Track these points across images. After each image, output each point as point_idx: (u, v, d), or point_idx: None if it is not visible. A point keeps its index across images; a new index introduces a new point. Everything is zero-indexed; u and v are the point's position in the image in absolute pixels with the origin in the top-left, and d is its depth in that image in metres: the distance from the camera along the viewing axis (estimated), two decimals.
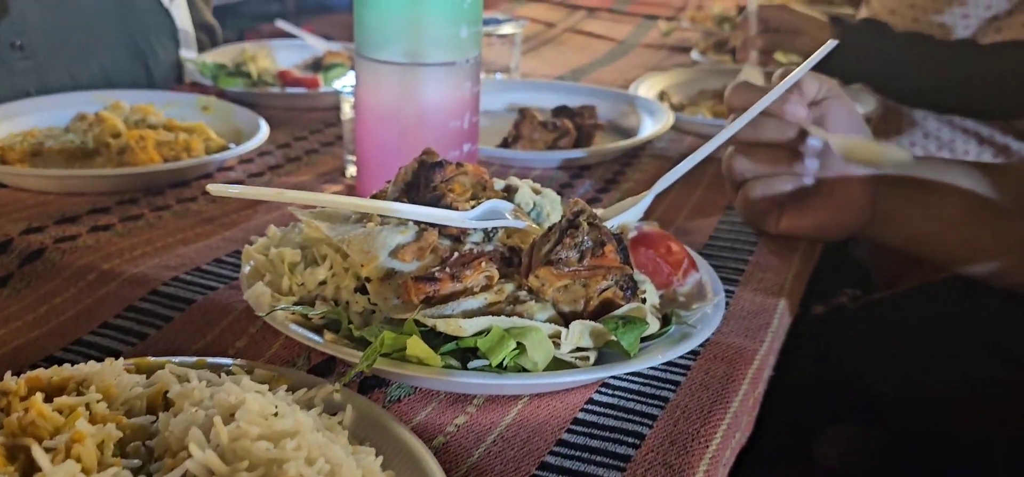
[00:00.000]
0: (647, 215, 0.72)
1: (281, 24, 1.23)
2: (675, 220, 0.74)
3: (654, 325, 0.47)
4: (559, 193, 0.80)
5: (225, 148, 0.84)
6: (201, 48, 1.22)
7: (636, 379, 0.48)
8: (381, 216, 0.50)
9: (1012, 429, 1.00)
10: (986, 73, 1.09)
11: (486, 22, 1.17)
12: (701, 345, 0.51)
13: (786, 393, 1.09)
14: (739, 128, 0.65)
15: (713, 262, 0.65)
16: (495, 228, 0.51)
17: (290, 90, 1.05)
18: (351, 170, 0.82)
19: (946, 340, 1.06)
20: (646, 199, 0.55)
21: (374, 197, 0.56)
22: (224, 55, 1.15)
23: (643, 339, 0.47)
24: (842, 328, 1.10)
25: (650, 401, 0.47)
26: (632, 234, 0.54)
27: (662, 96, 1.10)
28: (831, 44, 0.61)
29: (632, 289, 0.47)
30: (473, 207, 0.51)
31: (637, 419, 0.45)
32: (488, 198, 0.53)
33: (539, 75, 1.26)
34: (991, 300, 1.05)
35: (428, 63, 0.66)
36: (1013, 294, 1.03)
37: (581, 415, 0.45)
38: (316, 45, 1.20)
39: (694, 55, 1.31)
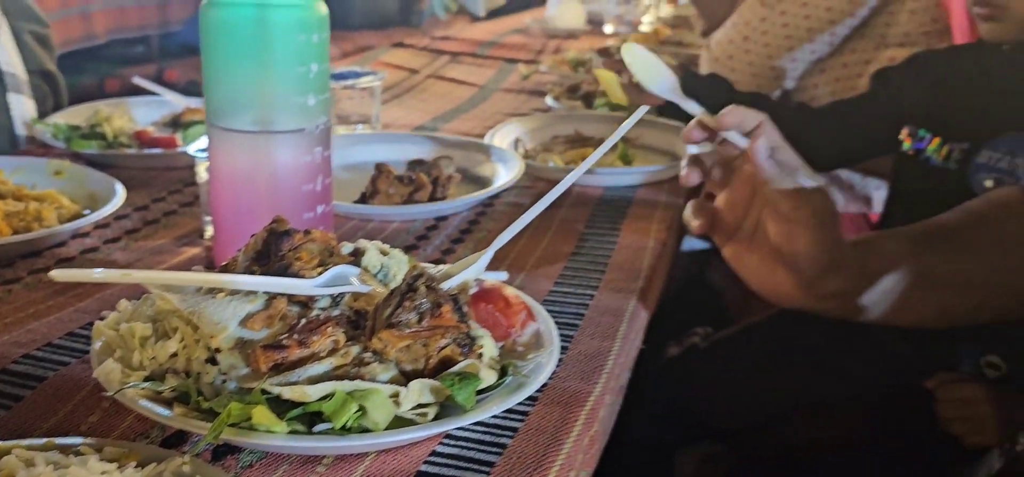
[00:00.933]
0: (498, 264, 0.77)
1: (138, 81, 1.23)
2: (524, 267, 0.79)
3: (491, 378, 0.51)
4: (415, 244, 0.84)
5: (79, 215, 0.84)
6: (40, 97, 1.19)
7: (477, 429, 0.52)
8: None
9: (841, 436, 1.09)
10: (819, 131, 1.19)
11: (346, 75, 1.20)
12: (539, 390, 0.55)
13: (648, 422, 1.16)
14: (581, 173, 0.70)
15: (556, 308, 0.70)
16: (342, 293, 0.54)
17: (147, 151, 1.05)
18: (209, 231, 0.83)
19: (787, 363, 1.15)
20: (485, 256, 0.59)
21: (224, 266, 0.58)
22: (77, 115, 1.14)
23: (482, 391, 0.51)
24: (696, 363, 1.18)
25: (489, 449, 0.50)
26: (473, 290, 0.58)
27: (517, 143, 1.15)
28: (643, 110, 0.67)
29: (470, 345, 0.51)
30: (320, 274, 0.54)
31: (476, 467, 0.49)
32: (335, 263, 0.56)
33: (400, 125, 1.29)
34: (827, 324, 1.15)
35: (278, 131, 0.69)
36: (851, 322, 1.13)
37: (425, 467, 0.49)
38: (175, 101, 1.20)
39: (548, 101, 1.38)
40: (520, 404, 0.53)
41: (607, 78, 1.25)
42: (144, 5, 2.91)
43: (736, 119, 0.64)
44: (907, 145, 1.09)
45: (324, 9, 0.70)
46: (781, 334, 1.17)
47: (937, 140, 1.04)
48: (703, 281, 1.81)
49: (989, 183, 0.98)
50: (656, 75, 0.71)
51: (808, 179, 0.63)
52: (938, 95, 1.07)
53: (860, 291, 0.70)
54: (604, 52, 1.67)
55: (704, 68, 1.49)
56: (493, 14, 4.19)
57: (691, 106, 0.67)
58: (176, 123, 1.17)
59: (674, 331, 1.42)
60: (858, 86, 1.36)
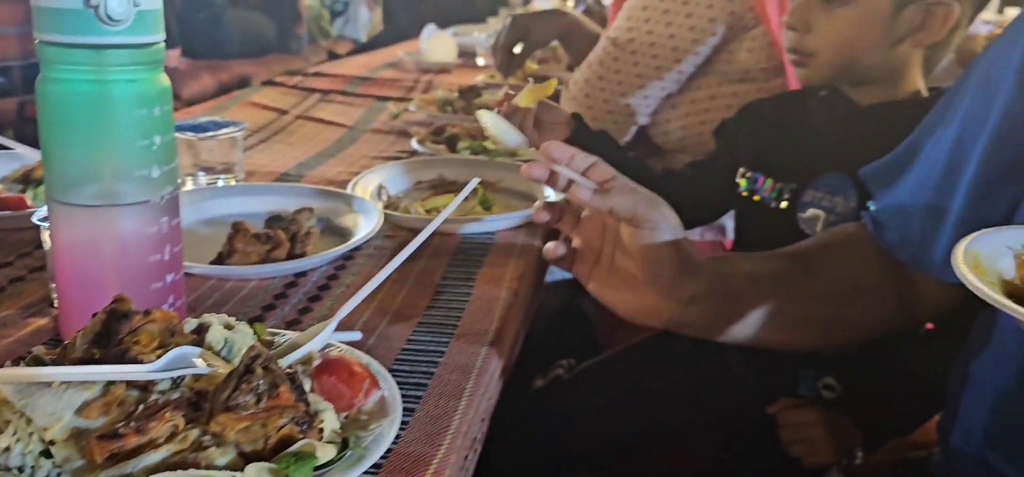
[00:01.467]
0: (354, 321, 0.79)
1: None
2: (378, 327, 0.80)
3: (330, 453, 0.53)
4: (273, 304, 0.85)
5: None
6: None
7: None
8: None
9: (698, 464, 1.16)
10: (681, 195, 1.26)
11: (207, 126, 1.19)
12: (383, 458, 0.57)
13: (513, 458, 1.19)
14: (434, 228, 0.73)
15: (407, 367, 0.72)
16: (182, 376, 0.54)
17: None
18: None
19: (646, 393, 1.21)
20: (329, 327, 0.61)
21: (63, 348, 0.58)
22: None
23: (322, 467, 0.52)
24: (560, 394, 1.23)
25: None
26: (317, 362, 0.60)
27: (380, 190, 1.17)
28: (475, 181, 0.70)
29: (309, 422, 0.53)
30: (160, 356, 0.54)
31: None
32: (177, 343, 0.56)
33: (265, 173, 1.29)
34: (682, 353, 1.22)
35: (122, 204, 0.69)
36: (699, 345, 1.20)
37: None
38: (27, 155, 1.17)
39: (413, 144, 1.40)
40: (361, 475, 0.55)
41: (489, 121, 1.28)
42: (4, 35, 2.78)
43: (563, 155, 0.70)
44: (743, 184, 1.17)
45: (166, 81, 0.70)
46: (640, 363, 1.23)
47: (770, 181, 1.12)
48: (576, 309, 1.87)
49: (810, 213, 1.07)
50: (507, 134, 0.75)
51: (648, 204, 0.69)
52: (768, 140, 1.16)
53: (719, 301, 0.76)
54: (469, 92, 1.70)
55: (564, 105, 1.55)
56: (370, 44, 4.21)
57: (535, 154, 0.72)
58: (27, 179, 1.13)
59: (549, 360, 1.46)
60: (706, 120, 1.45)
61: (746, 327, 0.80)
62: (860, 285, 0.85)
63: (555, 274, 1.93)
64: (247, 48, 5.24)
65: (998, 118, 0.73)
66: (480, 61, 2.50)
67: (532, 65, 1.87)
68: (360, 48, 4.63)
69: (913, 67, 1.07)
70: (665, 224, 0.71)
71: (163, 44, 0.69)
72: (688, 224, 1.32)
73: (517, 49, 1.69)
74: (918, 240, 0.80)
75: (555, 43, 1.81)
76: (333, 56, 5.31)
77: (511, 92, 1.26)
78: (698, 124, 1.48)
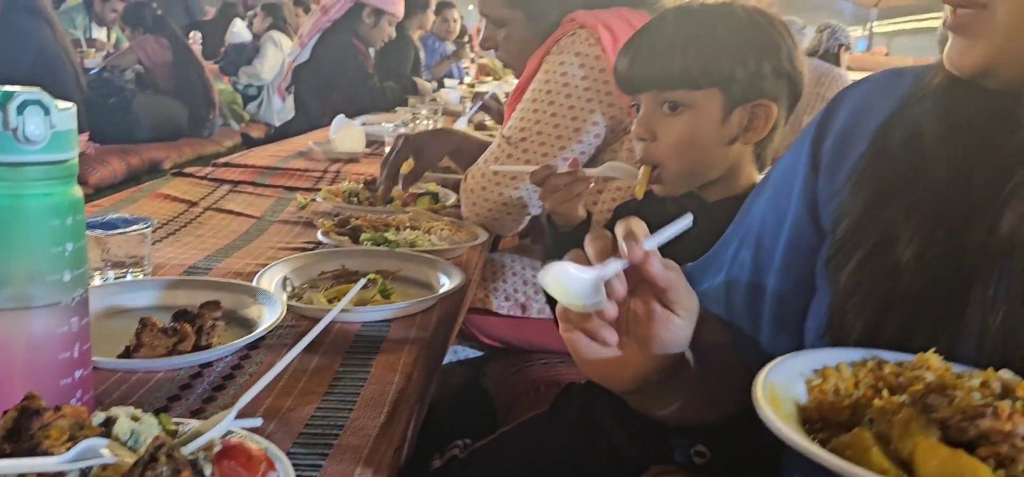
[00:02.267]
0: (256, 408, 0.85)
1: None
2: (279, 412, 0.87)
3: None
4: (178, 395, 0.91)
5: None
6: None
7: None
8: None
9: None
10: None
11: (116, 223, 1.24)
12: None
13: None
14: (331, 318, 0.80)
15: (305, 451, 0.79)
16: (90, 466, 0.60)
17: None
18: None
19: (535, 468, 1.29)
20: (229, 416, 0.68)
21: None
22: None
23: None
24: (456, 474, 1.30)
25: None
26: (218, 448, 0.66)
27: (285, 281, 1.24)
28: (363, 281, 0.78)
29: None
30: (70, 449, 0.60)
31: None
32: (86, 436, 0.62)
33: (173, 266, 1.34)
34: (568, 427, 1.31)
35: (34, 307, 0.74)
36: (584, 418, 1.30)
37: None
38: None
39: (319, 235, 1.47)
40: None
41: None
42: None
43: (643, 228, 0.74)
44: None
45: (78, 193, 0.77)
46: (530, 440, 1.31)
47: None
48: (477, 387, 1.95)
49: None
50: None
51: (687, 289, 0.76)
52: None
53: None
54: (374, 183, 1.79)
55: (462, 200, 1.65)
56: (283, 128, 4.26)
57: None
58: None
59: (450, 439, 1.53)
60: (596, 213, 1.57)
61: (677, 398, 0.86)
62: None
63: (459, 355, 2.01)
64: (158, 132, 5.24)
65: (788, 232, 0.86)
66: (388, 150, 2.59)
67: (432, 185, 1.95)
68: (274, 133, 4.67)
69: (748, 163, 1.21)
70: (694, 308, 0.77)
71: (76, 159, 0.76)
72: None
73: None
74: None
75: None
76: (247, 139, 5.35)
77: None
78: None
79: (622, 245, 0.72)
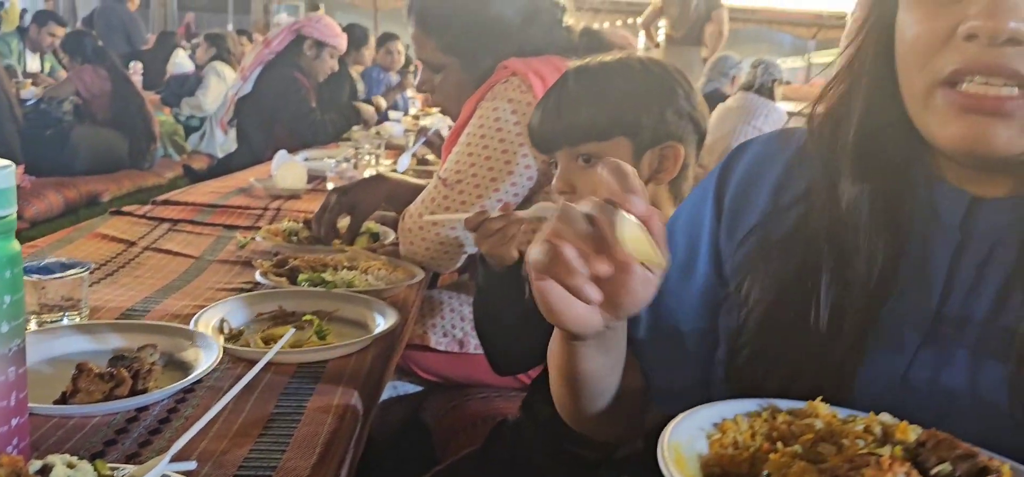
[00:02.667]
0: (191, 452, 0.88)
1: None
2: (214, 455, 0.90)
3: None
4: (114, 439, 0.93)
5: None
6: None
7: None
8: None
9: None
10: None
11: (52, 268, 1.26)
12: None
13: None
14: (268, 359, 0.83)
15: None
16: None
17: None
18: None
19: None
20: (164, 461, 0.71)
21: None
22: None
23: None
24: None
25: None
26: None
27: (222, 323, 1.26)
28: (290, 334, 0.82)
29: None
30: None
31: None
32: None
33: (110, 308, 1.36)
34: (502, 462, 1.36)
35: None
36: (516, 454, 1.34)
37: None
38: None
39: (257, 276, 1.50)
40: None
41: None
42: None
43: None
44: None
45: (16, 247, 0.79)
46: (465, 474, 1.35)
47: None
48: (417, 422, 1.99)
49: None
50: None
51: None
52: None
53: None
54: (310, 222, 1.82)
55: (400, 239, 1.69)
56: (226, 161, 4.25)
57: None
58: None
59: (389, 475, 1.56)
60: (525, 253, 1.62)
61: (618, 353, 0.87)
62: None
63: (399, 390, 2.05)
64: (97, 164, 5.17)
65: (700, 282, 0.92)
66: (330, 186, 2.62)
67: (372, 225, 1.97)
68: (216, 166, 4.65)
69: (665, 202, 1.28)
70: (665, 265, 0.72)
71: (14, 215, 0.79)
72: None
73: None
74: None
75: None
76: (189, 171, 5.30)
77: None
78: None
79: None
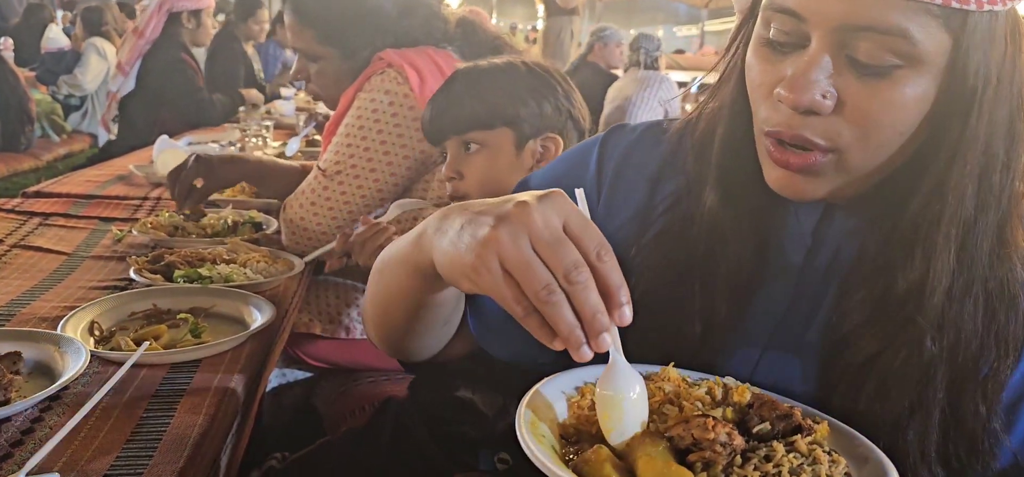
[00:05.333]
0: (55, 461, 0.88)
1: None
2: (78, 463, 0.90)
3: None
4: None
5: None
6: None
7: None
8: None
9: None
10: None
11: None
12: None
13: None
14: (134, 360, 0.84)
15: None
16: None
17: None
18: None
19: (356, 474, 1.37)
20: (20, 475, 0.72)
21: None
22: None
23: None
24: None
25: None
26: None
27: (93, 325, 1.25)
28: (133, 357, 0.83)
29: None
30: None
31: None
32: None
33: None
34: (385, 436, 1.39)
35: None
36: (399, 429, 1.38)
37: None
38: None
39: (132, 274, 1.48)
40: None
41: None
42: None
43: None
44: None
45: None
46: (347, 451, 1.39)
47: None
48: (309, 406, 2.00)
49: None
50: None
51: None
52: None
53: None
54: (195, 215, 1.80)
55: (283, 229, 1.69)
56: (108, 148, 4.09)
57: None
58: None
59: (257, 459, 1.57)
60: None
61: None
62: None
63: (288, 377, 2.05)
64: None
65: None
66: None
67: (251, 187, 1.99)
68: (99, 152, 4.44)
69: None
70: None
71: None
72: None
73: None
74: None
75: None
76: (73, 165, 5.08)
77: None
78: None
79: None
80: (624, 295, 0.68)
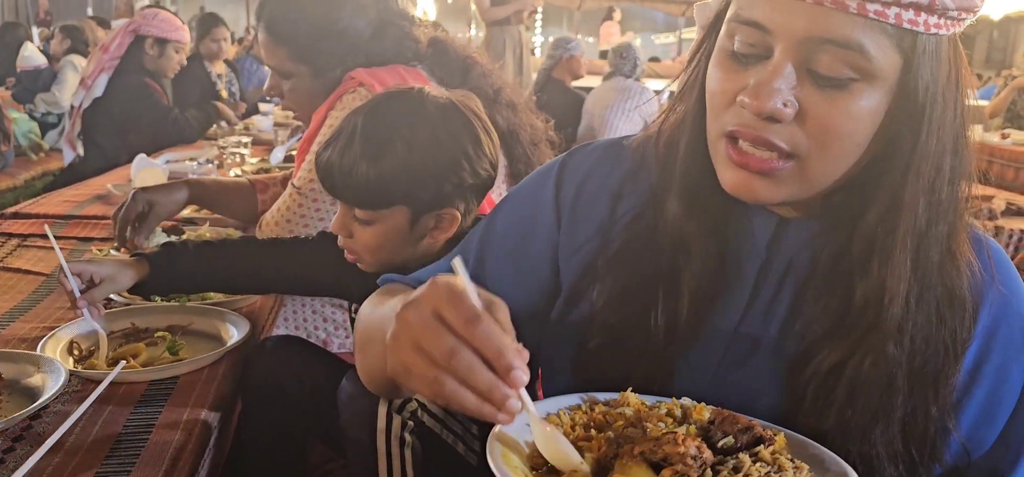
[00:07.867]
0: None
1: None
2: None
3: None
4: None
5: None
6: None
7: None
8: None
9: None
10: (266, 260, 1.44)
11: None
12: None
13: None
14: (112, 377, 0.86)
15: None
16: None
17: None
18: None
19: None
20: None
21: None
22: None
23: None
24: None
25: None
26: None
27: (72, 345, 1.27)
28: (118, 368, 0.86)
29: None
30: None
31: None
32: None
33: None
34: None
35: None
36: None
37: None
38: None
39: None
40: None
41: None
42: None
43: None
44: None
45: None
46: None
47: None
48: None
49: None
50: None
51: None
52: None
53: None
54: (173, 230, 1.82)
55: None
56: (69, 173, 4.02)
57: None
58: None
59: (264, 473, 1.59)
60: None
61: None
62: None
63: None
64: None
65: (530, 277, 1.00)
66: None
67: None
68: (59, 178, 4.32)
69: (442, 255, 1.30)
70: None
71: None
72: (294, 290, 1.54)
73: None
74: None
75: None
76: (49, 185, 5.05)
77: None
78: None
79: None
80: (507, 359, 0.66)
